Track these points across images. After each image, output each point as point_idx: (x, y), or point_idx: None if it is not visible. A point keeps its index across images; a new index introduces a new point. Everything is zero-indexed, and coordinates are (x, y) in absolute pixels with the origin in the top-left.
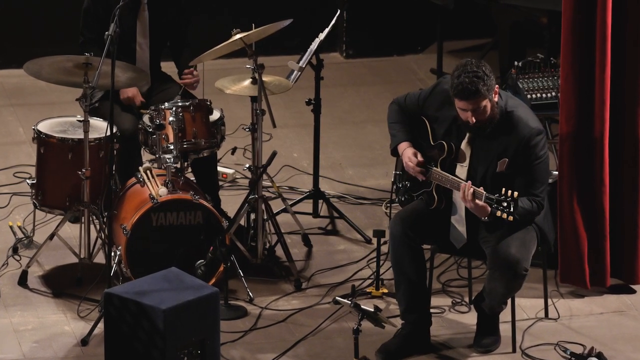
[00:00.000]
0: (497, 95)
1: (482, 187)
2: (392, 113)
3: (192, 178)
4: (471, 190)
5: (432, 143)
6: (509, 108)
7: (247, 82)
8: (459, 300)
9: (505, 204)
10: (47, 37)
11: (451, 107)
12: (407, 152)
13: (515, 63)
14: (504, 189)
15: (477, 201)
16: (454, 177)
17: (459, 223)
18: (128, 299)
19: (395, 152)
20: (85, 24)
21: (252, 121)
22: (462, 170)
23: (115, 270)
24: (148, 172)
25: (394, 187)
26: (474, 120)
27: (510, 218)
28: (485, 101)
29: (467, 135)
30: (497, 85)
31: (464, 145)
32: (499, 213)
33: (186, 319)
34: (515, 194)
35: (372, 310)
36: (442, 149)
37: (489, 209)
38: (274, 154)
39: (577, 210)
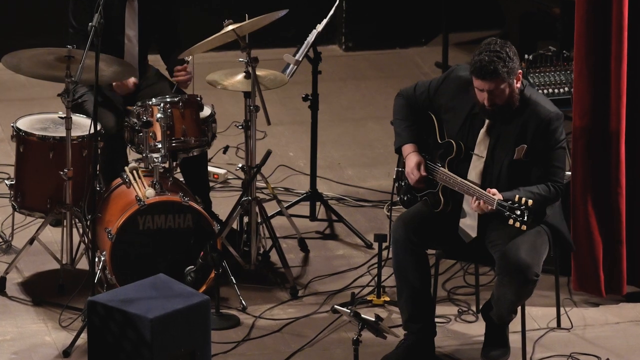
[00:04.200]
0: (519, 82)
1: (494, 189)
2: (397, 108)
3: (181, 179)
4: (481, 202)
5: (439, 141)
6: (526, 92)
7: (240, 76)
8: (466, 309)
9: (518, 212)
10: (27, 28)
11: (467, 96)
12: (411, 160)
13: (526, 56)
14: (517, 196)
15: (490, 207)
16: (462, 180)
17: (470, 217)
18: (113, 307)
19: (399, 152)
20: (75, 17)
21: (245, 118)
22: (478, 162)
23: (100, 276)
24: (134, 172)
25: (396, 184)
26: (488, 104)
27: (524, 227)
28: (504, 85)
29: (486, 123)
30: (520, 71)
31: (482, 134)
32: (511, 221)
33: (175, 328)
34: (530, 202)
35: (373, 319)
36: (450, 148)
37: (494, 207)
38: (268, 153)
39: (591, 212)
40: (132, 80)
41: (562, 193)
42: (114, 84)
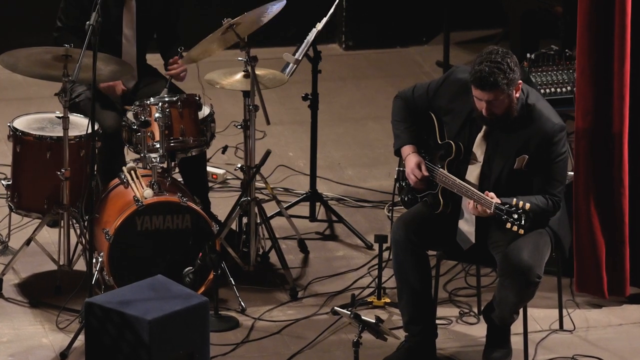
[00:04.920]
0: (519, 92)
1: (492, 193)
2: (396, 110)
3: (180, 179)
4: (478, 205)
5: (439, 141)
6: (530, 101)
7: (239, 75)
8: (467, 311)
9: (515, 216)
10: (24, 27)
11: (467, 98)
12: (411, 160)
13: (528, 55)
14: (514, 200)
15: (487, 211)
16: (461, 182)
17: (467, 223)
18: (111, 309)
19: (399, 154)
20: (65, 11)
21: (244, 118)
22: (475, 167)
23: (97, 278)
24: (132, 172)
25: (397, 184)
26: (486, 113)
27: (521, 231)
28: (503, 96)
29: (484, 128)
30: (520, 81)
31: (479, 139)
32: (508, 225)
33: (173, 330)
34: (527, 205)
35: (374, 321)
36: (450, 149)
37: (492, 210)
38: (267, 153)
39: (594, 213)
40: (120, 87)
41: (559, 207)
42: (101, 85)
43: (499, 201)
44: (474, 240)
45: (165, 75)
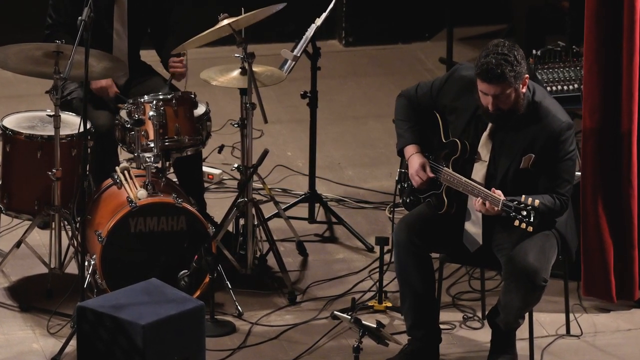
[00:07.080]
0: (525, 86)
1: (499, 190)
2: (399, 108)
3: (175, 179)
4: (486, 203)
5: (443, 140)
6: (537, 98)
7: (236, 72)
8: (471, 315)
9: (524, 213)
10: (14, 22)
11: (471, 96)
12: (415, 161)
13: (534, 52)
14: (523, 196)
15: (495, 209)
16: (467, 180)
17: (474, 224)
18: (103, 313)
19: (402, 153)
20: (55, 6)
21: (241, 116)
22: (481, 166)
23: (89, 281)
24: (126, 172)
25: (398, 186)
26: (492, 108)
27: (530, 229)
28: (510, 89)
29: (489, 127)
30: (527, 76)
31: (484, 138)
32: (517, 222)
33: (168, 335)
34: (537, 202)
35: (375, 326)
36: (455, 147)
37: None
38: (265, 153)
39: (601, 215)
40: (113, 89)
41: (567, 207)
42: (93, 87)
43: (505, 198)
44: (481, 242)
45: (169, 72)
